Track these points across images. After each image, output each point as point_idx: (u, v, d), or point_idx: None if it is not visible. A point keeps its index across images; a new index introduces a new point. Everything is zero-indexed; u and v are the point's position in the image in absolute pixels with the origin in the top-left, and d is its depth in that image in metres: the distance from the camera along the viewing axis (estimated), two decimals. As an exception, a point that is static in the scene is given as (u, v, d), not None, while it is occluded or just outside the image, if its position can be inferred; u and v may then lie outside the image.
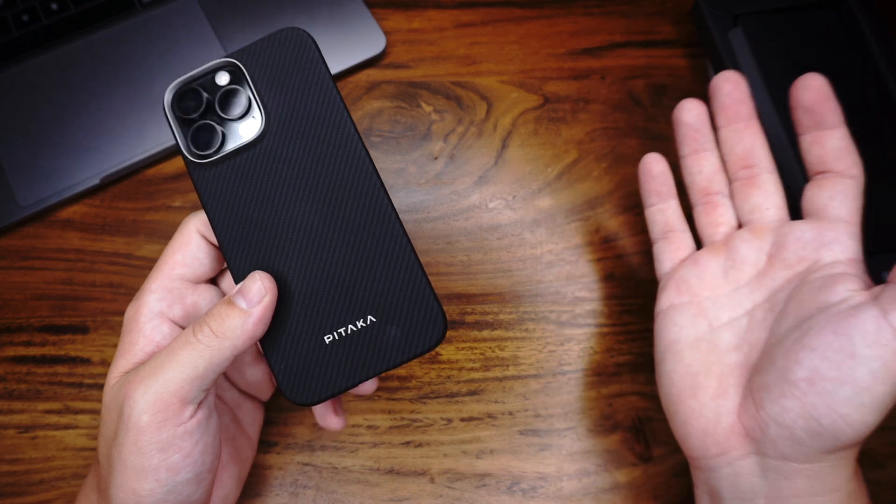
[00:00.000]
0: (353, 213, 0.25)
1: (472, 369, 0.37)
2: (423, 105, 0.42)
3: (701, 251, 0.31)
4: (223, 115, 0.26)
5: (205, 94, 0.26)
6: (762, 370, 0.26)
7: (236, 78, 0.26)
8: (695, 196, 0.32)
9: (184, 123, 0.26)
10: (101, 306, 0.37)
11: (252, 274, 0.24)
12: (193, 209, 0.39)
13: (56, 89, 0.40)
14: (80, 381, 0.36)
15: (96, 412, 0.36)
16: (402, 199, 0.40)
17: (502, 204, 0.40)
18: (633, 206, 0.40)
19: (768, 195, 0.30)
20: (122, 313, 0.37)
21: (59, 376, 0.36)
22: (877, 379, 0.23)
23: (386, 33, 0.42)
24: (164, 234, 0.39)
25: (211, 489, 0.26)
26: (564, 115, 0.42)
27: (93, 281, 0.38)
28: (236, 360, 0.29)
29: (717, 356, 0.28)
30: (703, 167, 0.31)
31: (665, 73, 0.43)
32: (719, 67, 0.39)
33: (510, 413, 0.36)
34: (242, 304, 0.24)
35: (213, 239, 0.27)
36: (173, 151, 0.40)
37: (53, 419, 0.35)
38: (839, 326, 0.24)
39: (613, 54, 0.43)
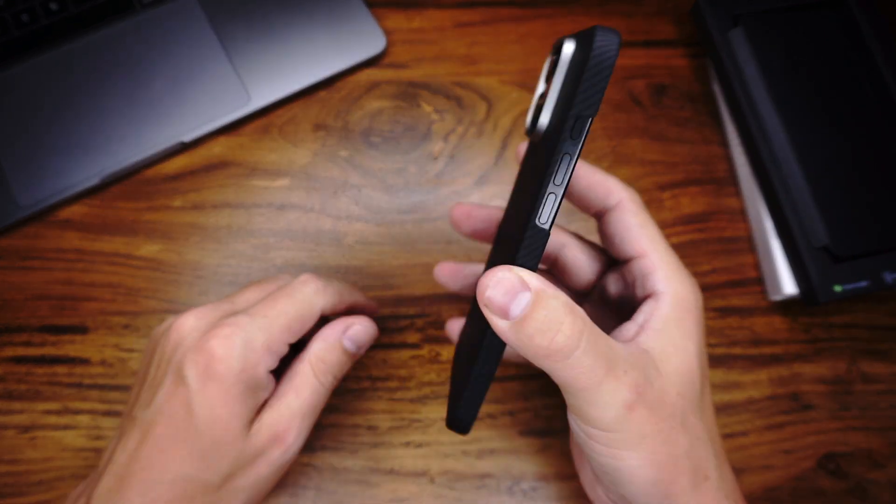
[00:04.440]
0: None
1: (472, 369, 0.37)
2: (423, 105, 0.42)
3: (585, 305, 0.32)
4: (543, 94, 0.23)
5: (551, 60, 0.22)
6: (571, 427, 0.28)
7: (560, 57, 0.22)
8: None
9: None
10: (100, 306, 0.37)
11: (364, 321, 0.29)
12: (193, 209, 0.39)
13: (56, 89, 0.40)
14: (80, 381, 0.36)
15: (96, 412, 0.35)
16: (402, 199, 0.40)
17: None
18: (633, 206, 0.40)
19: (578, 269, 0.31)
20: (121, 313, 0.37)
21: (59, 376, 0.36)
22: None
23: (386, 33, 0.42)
24: (164, 234, 0.39)
25: None
26: (564, 115, 0.42)
27: (92, 281, 0.38)
28: None
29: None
30: None
31: (665, 73, 0.43)
32: (719, 67, 0.39)
33: (510, 413, 0.36)
34: (352, 348, 0.29)
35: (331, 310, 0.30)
36: (173, 151, 0.40)
37: (52, 419, 0.35)
38: None
39: (613, 54, 0.43)
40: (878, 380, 0.38)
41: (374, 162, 0.41)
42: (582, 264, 0.30)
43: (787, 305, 0.39)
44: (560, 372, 0.21)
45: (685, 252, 0.39)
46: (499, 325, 0.21)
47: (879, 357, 0.38)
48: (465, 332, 0.30)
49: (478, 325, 0.23)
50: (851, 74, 0.39)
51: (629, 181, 0.40)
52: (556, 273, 0.31)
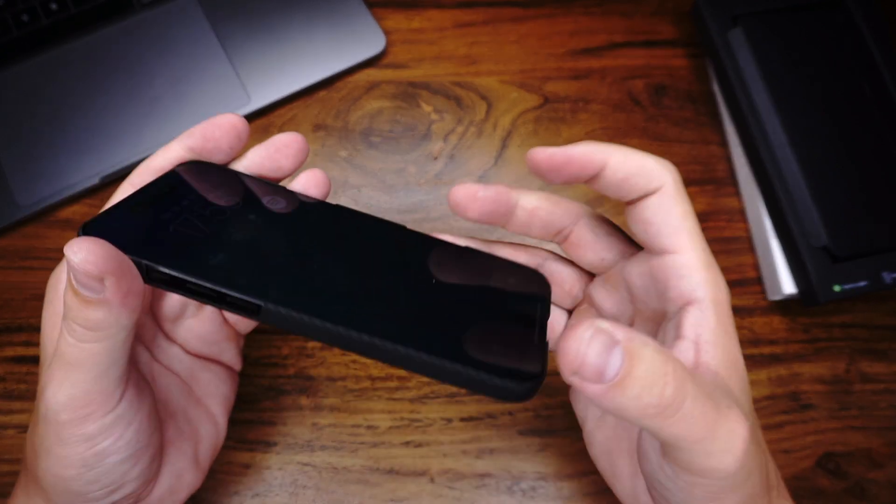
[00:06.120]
0: None
1: (471, 369, 0.37)
2: (423, 105, 0.42)
3: (575, 319, 0.29)
4: None
5: None
6: (640, 452, 0.24)
7: None
8: None
9: None
10: (100, 306, 0.37)
11: (70, 257, 0.19)
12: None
13: (56, 89, 0.40)
14: (80, 381, 0.36)
15: (96, 412, 0.35)
16: (402, 199, 0.40)
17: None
18: (632, 206, 0.40)
19: (592, 245, 0.27)
20: (121, 313, 0.37)
21: (59, 376, 0.36)
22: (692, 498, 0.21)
23: (386, 33, 0.42)
24: (164, 234, 0.39)
25: (156, 464, 0.25)
26: (564, 115, 0.42)
27: (92, 281, 0.38)
28: (172, 316, 0.28)
29: (624, 429, 0.26)
30: (517, 255, 0.29)
31: (665, 73, 0.43)
32: (719, 68, 0.39)
33: (510, 413, 0.36)
34: (86, 291, 0.19)
35: None
36: (173, 151, 0.40)
37: (53, 419, 0.35)
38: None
39: (613, 54, 0.43)
40: (878, 379, 0.38)
41: (373, 162, 0.41)
42: (596, 244, 0.27)
43: (787, 305, 0.39)
44: (669, 428, 0.18)
45: (685, 252, 0.39)
46: (592, 390, 0.18)
47: (879, 357, 0.38)
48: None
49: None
50: (851, 74, 0.39)
51: (629, 181, 0.40)
52: (566, 248, 0.28)
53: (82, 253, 0.19)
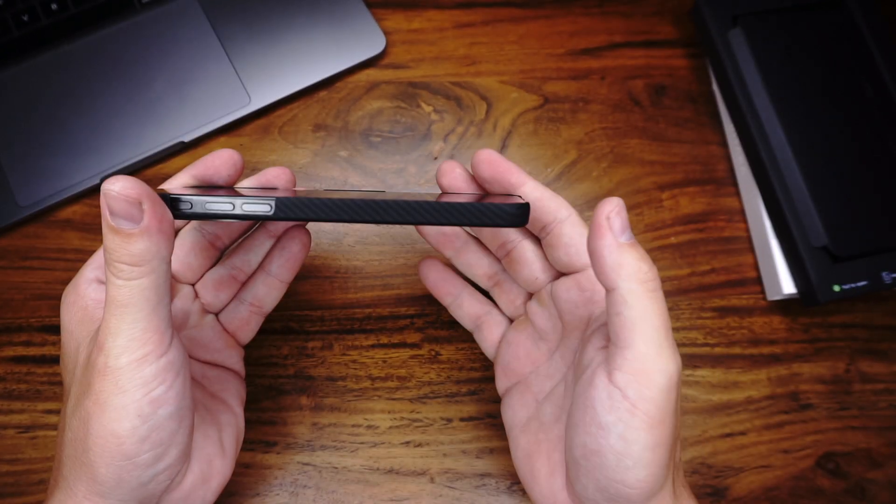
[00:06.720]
0: None
1: (472, 369, 0.37)
2: (423, 105, 0.42)
3: (510, 330, 0.31)
4: None
5: None
6: (564, 447, 0.26)
7: None
8: (482, 285, 0.32)
9: None
10: (100, 306, 0.37)
11: (108, 189, 0.21)
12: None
13: (56, 89, 0.40)
14: (80, 381, 0.36)
15: (96, 412, 0.35)
16: (402, 199, 0.40)
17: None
18: (632, 206, 0.40)
19: (529, 264, 0.30)
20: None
21: (59, 376, 0.36)
22: (627, 442, 0.23)
23: (386, 33, 0.42)
24: (164, 234, 0.39)
25: (191, 435, 0.25)
26: (564, 115, 0.42)
27: (92, 281, 0.38)
28: (181, 323, 0.30)
29: (545, 432, 0.28)
30: (470, 262, 0.32)
31: (665, 73, 0.43)
32: (718, 68, 0.39)
33: (510, 413, 0.36)
34: (125, 224, 0.21)
35: None
36: (173, 151, 0.40)
37: (53, 419, 0.35)
38: (586, 398, 0.24)
39: (613, 54, 0.43)
40: (877, 379, 0.38)
41: (374, 162, 0.41)
42: (534, 264, 0.30)
43: (786, 305, 0.39)
44: (651, 302, 0.22)
45: (684, 252, 0.39)
46: (610, 242, 0.23)
47: (878, 357, 0.38)
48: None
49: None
50: (851, 74, 0.39)
51: (628, 181, 0.40)
52: (506, 263, 0.31)
53: (120, 182, 0.21)
